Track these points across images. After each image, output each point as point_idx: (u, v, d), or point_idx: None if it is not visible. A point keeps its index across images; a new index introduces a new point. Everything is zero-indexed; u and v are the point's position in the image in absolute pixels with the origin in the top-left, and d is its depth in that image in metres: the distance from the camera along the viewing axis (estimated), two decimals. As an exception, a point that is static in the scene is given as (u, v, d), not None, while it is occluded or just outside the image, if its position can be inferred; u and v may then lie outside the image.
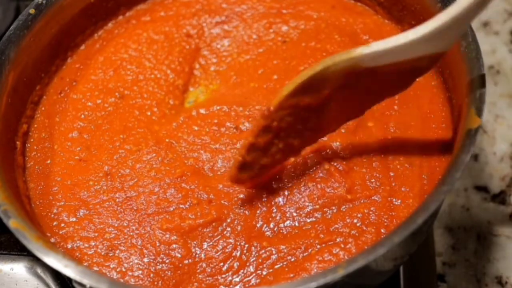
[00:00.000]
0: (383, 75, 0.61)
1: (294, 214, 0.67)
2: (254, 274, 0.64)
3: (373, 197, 0.66)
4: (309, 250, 0.64)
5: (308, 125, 0.65)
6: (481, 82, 0.61)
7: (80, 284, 0.57)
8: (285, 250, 0.65)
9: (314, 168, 0.69)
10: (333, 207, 0.66)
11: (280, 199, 0.68)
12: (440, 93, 0.72)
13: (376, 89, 0.63)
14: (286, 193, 0.68)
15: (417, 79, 0.64)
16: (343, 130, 0.70)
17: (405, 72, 0.61)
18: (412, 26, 0.76)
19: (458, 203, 0.88)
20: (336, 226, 0.65)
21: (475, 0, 0.55)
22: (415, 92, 0.72)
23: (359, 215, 0.65)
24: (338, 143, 0.70)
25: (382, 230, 0.64)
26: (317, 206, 0.67)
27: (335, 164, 0.68)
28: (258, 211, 0.67)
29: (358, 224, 0.65)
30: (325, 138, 0.70)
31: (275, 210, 0.67)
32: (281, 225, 0.66)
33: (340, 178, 0.67)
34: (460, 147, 0.58)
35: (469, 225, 0.86)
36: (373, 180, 0.67)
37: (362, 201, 0.66)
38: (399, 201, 0.65)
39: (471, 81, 0.62)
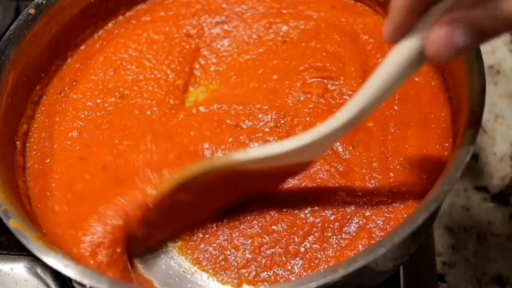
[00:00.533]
0: (257, 174, 0.63)
1: (294, 216, 0.67)
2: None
3: (372, 198, 0.66)
4: (309, 251, 0.64)
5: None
6: (481, 82, 0.61)
7: (80, 284, 0.57)
8: (284, 250, 0.65)
9: (314, 169, 0.69)
10: (334, 209, 0.66)
11: (280, 199, 0.68)
12: (440, 93, 0.72)
13: (252, 184, 0.66)
14: (286, 194, 0.68)
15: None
16: None
17: (277, 174, 0.65)
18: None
19: (458, 203, 0.88)
20: (336, 227, 0.65)
21: (344, 123, 0.57)
22: (415, 92, 0.72)
23: (359, 216, 0.65)
24: (338, 143, 0.70)
25: (382, 233, 0.64)
26: (317, 208, 0.67)
27: (335, 164, 0.68)
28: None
29: (358, 225, 0.65)
30: None
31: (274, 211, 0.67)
32: (280, 226, 0.66)
33: (341, 179, 0.67)
34: (460, 147, 0.58)
35: (469, 225, 0.86)
36: (372, 181, 0.67)
37: (361, 202, 0.66)
38: (399, 201, 0.65)
39: (471, 81, 0.62)
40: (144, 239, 0.66)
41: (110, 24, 0.86)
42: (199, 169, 0.63)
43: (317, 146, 0.60)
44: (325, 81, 0.75)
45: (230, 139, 0.71)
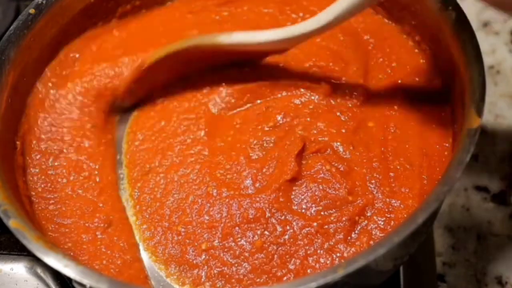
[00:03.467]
0: (238, 52, 0.76)
1: (296, 216, 0.66)
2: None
3: (373, 198, 0.66)
4: (310, 252, 0.64)
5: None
6: (481, 82, 0.61)
7: (80, 284, 0.57)
8: (285, 251, 0.65)
9: (316, 169, 0.69)
10: (335, 209, 0.66)
11: (282, 200, 0.68)
12: (440, 93, 0.72)
13: (233, 57, 0.77)
14: (288, 194, 0.68)
15: None
16: (343, 130, 0.70)
17: (255, 52, 0.77)
18: (412, 26, 0.76)
19: (458, 203, 0.88)
20: (337, 227, 0.65)
21: (320, 26, 0.70)
22: (415, 92, 0.72)
23: (359, 217, 0.65)
24: (338, 143, 0.70)
25: (382, 233, 0.64)
26: (320, 208, 0.67)
27: (336, 164, 0.68)
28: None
29: (358, 226, 0.65)
30: (326, 138, 0.70)
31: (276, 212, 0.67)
32: (283, 227, 0.66)
33: (341, 179, 0.67)
34: (460, 147, 0.58)
35: (469, 225, 0.86)
36: (373, 181, 0.67)
37: (362, 203, 0.66)
38: (399, 202, 0.65)
39: (471, 81, 0.62)
40: (130, 94, 0.79)
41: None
42: (190, 43, 0.76)
43: (292, 41, 0.73)
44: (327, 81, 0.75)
45: None
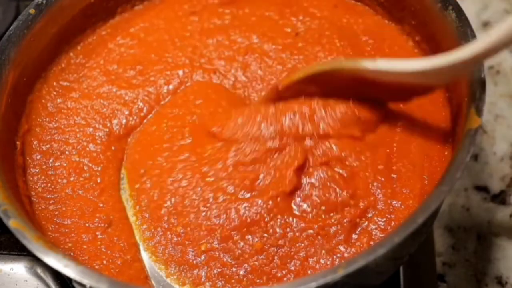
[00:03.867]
0: (381, 85, 0.66)
1: (296, 219, 0.66)
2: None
3: (375, 200, 0.66)
4: (310, 253, 0.64)
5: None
6: (481, 82, 0.61)
7: (80, 284, 0.57)
8: (286, 253, 0.65)
9: (318, 176, 0.68)
10: (336, 212, 0.66)
11: (282, 205, 0.68)
12: (440, 93, 0.72)
13: (375, 93, 0.68)
14: (288, 199, 0.68)
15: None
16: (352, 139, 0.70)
17: (401, 89, 0.66)
18: (412, 26, 0.76)
19: (458, 203, 0.88)
20: (338, 229, 0.65)
21: (483, 50, 0.57)
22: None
23: (360, 218, 0.65)
24: (339, 147, 0.69)
25: (382, 234, 0.64)
26: (321, 211, 0.66)
27: (340, 170, 0.68)
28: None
29: (359, 227, 0.65)
30: (328, 145, 0.69)
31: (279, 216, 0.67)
32: (284, 229, 0.67)
33: (345, 184, 0.67)
34: (460, 147, 0.58)
35: (469, 225, 0.86)
36: (375, 183, 0.67)
37: (363, 205, 0.66)
38: (400, 202, 0.65)
39: (471, 81, 0.62)
40: None
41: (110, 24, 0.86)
42: (329, 66, 0.68)
43: (443, 72, 0.61)
44: None
45: None
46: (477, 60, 0.59)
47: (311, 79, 0.69)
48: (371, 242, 0.64)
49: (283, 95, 0.71)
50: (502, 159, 0.91)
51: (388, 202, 0.65)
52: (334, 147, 0.68)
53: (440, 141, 0.68)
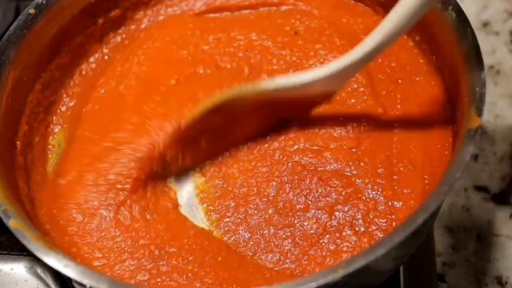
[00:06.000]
0: (285, 101, 0.68)
1: (300, 221, 0.67)
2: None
3: (376, 201, 0.66)
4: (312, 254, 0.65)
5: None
6: (481, 82, 0.61)
7: (80, 284, 0.57)
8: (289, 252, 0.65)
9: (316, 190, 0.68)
10: (335, 212, 0.66)
11: (286, 208, 0.68)
12: (440, 93, 0.72)
13: (282, 109, 0.69)
14: (293, 203, 0.68)
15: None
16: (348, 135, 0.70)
17: (302, 102, 0.69)
18: (412, 26, 0.76)
19: (458, 203, 0.88)
20: (337, 230, 0.65)
21: (364, 55, 0.62)
22: (415, 92, 0.72)
23: (362, 220, 0.65)
24: (343, 165, 0.69)
25: (383, 234, 0.64)
26: (320, 211, 0.66)
27: (337, 182, 0.68)
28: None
29: (361, 228, 0.65)
30: (329, 154, 0.70)
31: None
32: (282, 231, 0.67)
33: (346, 188, 0.67)
34: (460, 147, 0.58)
35: (469, 225, 0.86)
36: (376, 187, 0.66)
37: (364, 207, 0.66)
38: (401, 203, 0.65)
39: (471, 81, 0.62)
40: (169, 165, 0.70)
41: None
42: (229, 95, 0.67)
43: (339, 77, 0.65)
44: None
45: None
46: (370, 58, 0.62)
47: (214, 111, 0.67)
48: (372, 242, 0.64)
49: (186, 134, 0.68)
50: (502, 159, 0.91)
51: (390, 204, 0.65)
52: (330, 159, 0.69)
53: (440, 141, 0.68)
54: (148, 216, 0.68)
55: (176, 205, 0.70)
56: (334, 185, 0.67)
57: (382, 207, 0.65)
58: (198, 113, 0.67)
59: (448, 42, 0.68)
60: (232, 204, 0.69)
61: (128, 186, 0.68)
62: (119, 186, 0.68)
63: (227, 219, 0.68)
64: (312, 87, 0.65)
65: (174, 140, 0.69)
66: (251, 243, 0.66)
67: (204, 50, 0.79)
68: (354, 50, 0.62)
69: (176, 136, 0.69)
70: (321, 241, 0.65)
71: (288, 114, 0.71)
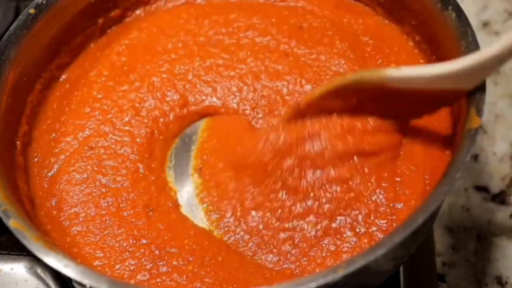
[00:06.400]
0: (408, 96, 0.63)
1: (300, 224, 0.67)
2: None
3: (377, 203, 0.66)
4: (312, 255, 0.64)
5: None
6: (482, 82, 0.61)
7: (80, 284, 0.57)
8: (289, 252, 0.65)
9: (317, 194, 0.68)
10: (336, 214, 0.66)
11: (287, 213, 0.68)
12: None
13: (401, 106, 0.66)
14: (295, 207, 0.68)
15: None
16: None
17: (429, 99, 0.64)
18: (412, 26, 0.76)
19: (458, 203, 0.88)
20: (338, 231, 0.65)
21: (503, 51, 0.56)
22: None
23: (362, 221, 0.65)
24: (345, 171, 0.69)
25: (383, 235, 0.64)
26: (320, 212, 0.66)
27: (339, 188, 0.67)
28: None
29: (361, 229, 0.65)
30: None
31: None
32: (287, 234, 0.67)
33: (347, 202, 0.67)
34: (460, 147, 0.58)
35: (469, 225, 0.86)
36: (378, 190, 0.66)
37: (365, 209, 0.65)
38: (402, 204, 0.65)
39: (471, 81, 0.62)
40: None
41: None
42: (351, 79, 0.64)
43: (471, 73, 0.59)
44: None
45: None
46: (507, 55, 0.57)
47: (333, 94, 0.66)
48: (372, 243, 0.64)
49: (304, 113, 0.68)
50: (502, 159, 0.91)
51: (391, 205, 0.65)
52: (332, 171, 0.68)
53: (441, 140, 0.68)
54: (150, 213, 0.68)
55: (176, 204, 0.70)
56: (336, 191, 0.67)
57: (383, 208, 0.65)
58: (318, 93, 0.67)
59: (448, 42, 0.68)
60: (232, 204, 0.69)
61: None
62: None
63: (227, 219, 0.68)
64: (441, 83, 0.61)
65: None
66: (251, 243, 0.66)
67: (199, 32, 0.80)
68: (491, 46, 0.57)
69: (294, 113, 0.68)
70: (321, 242, 0.65)
71: (407, 112, 0.67)
